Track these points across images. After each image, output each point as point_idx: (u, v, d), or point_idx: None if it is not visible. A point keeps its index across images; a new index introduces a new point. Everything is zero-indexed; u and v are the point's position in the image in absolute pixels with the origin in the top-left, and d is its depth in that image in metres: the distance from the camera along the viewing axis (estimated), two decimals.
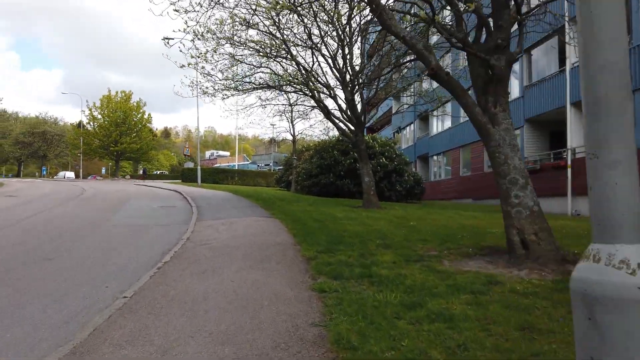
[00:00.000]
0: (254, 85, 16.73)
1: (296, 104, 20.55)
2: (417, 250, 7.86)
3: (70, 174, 77.65)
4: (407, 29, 9.28)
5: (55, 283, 6.25)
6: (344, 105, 17.12)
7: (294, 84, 16.30)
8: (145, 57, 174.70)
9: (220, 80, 16.10)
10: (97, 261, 7.75)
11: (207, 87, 16.15)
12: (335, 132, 32.53)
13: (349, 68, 16.20)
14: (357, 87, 16.30)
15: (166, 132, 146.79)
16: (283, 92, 16.56)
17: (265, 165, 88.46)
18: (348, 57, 16.06)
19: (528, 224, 6.58)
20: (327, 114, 17.13)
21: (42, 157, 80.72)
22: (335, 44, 15.78)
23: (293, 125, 31.26)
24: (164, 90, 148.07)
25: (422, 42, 7.44)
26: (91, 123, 61.47)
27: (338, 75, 16.47)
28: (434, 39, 16.22)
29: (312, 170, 25.39)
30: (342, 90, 17.04)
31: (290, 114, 30.64)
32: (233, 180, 45.76)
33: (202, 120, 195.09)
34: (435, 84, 18.64)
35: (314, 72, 15.89)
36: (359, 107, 17.23)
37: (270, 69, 16.80)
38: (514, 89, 23.04)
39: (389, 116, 40.75)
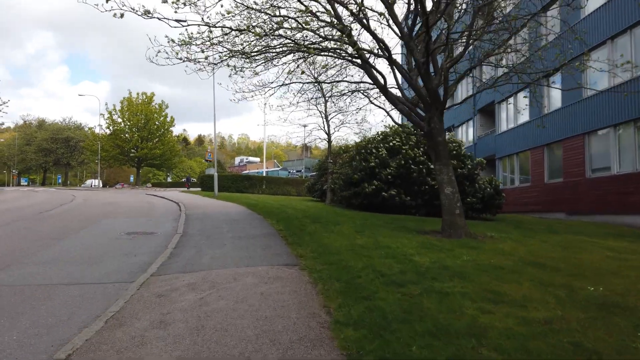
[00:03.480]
0: (268, 48, 10.75)
1: (332, 83, 14.39)
2: None
3: (97, 182, 74.23)
4: None
5: None
6: (397, 79, 11.12)
7: (329, 39, 10.27)
8: (187, 68, 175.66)
9: (218, 36, 10.25)
10: None
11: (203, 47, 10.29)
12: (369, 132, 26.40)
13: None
14: (436, 39, 10.11)
15: (199, 140, 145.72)
16: (310, 55, 10.63)
17: (297, 171, 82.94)
18: None
19: None
20: (384, 88, 11.03)
21: (66, 164, 77.66)
22: None
23: (327, 121, 25.30)
24: (203, 99, 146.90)
25: None
26: (111, 127, 57.20)
27: (397, 31, 10.38)
28: None
29: (351, 177, 19.32)
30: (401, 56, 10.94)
31: (324, 105, 24.75)
32: (260, 189, 40.10)
33: (236, 127, 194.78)
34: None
35: (362, 12, 9.84)
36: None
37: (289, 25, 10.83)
38: None
39: None
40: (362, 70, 12.28)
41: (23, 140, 78.10)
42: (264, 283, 5.72)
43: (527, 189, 24.54)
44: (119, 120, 56.67)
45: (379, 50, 10.90)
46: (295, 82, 14.06)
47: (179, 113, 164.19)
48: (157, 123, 58.13)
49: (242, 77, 12.13)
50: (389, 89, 11.48)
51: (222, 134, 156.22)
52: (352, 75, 15.89)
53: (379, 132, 20.71)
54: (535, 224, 16.48)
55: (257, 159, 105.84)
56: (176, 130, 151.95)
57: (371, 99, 14.47)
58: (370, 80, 12.79)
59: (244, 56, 11.02)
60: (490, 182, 18.93)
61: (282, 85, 13.33)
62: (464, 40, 10.53)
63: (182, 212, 15.60)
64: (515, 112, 25.86)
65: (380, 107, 14.20)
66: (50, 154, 74.29)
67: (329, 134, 25.46)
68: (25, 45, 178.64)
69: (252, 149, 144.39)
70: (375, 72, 10.56)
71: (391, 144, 18.47)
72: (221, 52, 10.84)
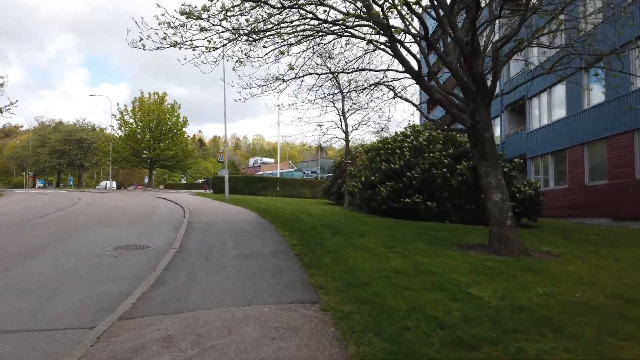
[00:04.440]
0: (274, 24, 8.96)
1: (353, 72, 12.50)
2: None
3: (112, 184, 73.43)
4: None
5: None
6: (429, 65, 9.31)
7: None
8: (204, 68, 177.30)
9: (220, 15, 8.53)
10: None
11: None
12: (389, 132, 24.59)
13: None
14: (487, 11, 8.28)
15: (215, 140, 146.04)
16: (325, 35, 8.90)
17: (312, 172, 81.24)
18: None
19: None
20: (418, 75, 9.19)
21: (80, 166, 76.99)
22: None
23: (345, 119, 23.51)
24: (220, 101, 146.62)
25: None
26: (123, 128, 56.08)
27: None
28: None
29: (372, 179, 17.52)
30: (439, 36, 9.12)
31: (341, 101, 22.98)
32: (274, 190, 38.39)
33: (251, 128, 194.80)
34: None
35: None
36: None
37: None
38: None
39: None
40: (382, 61, 10.49)
41: (37, 142, 77.70)
42: (270, 339, 3.97)
43: (564, 192, 22.41)
44: (131, 120, 55.50)
45: (410, 29, 9.08)
46: (311, 74, 12.34)
47: (196, 114, 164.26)
48: (169, 123, 56.84)
49: (252, 65, 10.47)
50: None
51: (237, 135, 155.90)
52: (373, 64, 14.01)
53: (399, 132, 18.86)
54: (583, 232, 14.47)
55: (272, 160, 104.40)
56: (192, 131, 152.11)
57: (397, 91, 12.68)
58: (397, 68, 11.06)
59: (250, 38, 9.31)
60: (529, 183, 16.96)
61: (296, 77, 11.61)
62: (521, 10, 8.61)
63: (185, 219, 13.96)
64: (549, 108, 23.76)
65: (407, 101, 12.38)
66: (63, 155, 73.61)
67: (346, 133, 23.67)
68: (46, 48, 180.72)
69: (266, 149, 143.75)
70: (409, 55, 8.73)
71: (416, 142, 16.61)
72: (225, 32, 9.12)
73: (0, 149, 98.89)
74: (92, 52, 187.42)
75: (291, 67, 9.17)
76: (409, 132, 17.19)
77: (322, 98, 14.49)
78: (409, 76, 11.08)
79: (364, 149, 23.24)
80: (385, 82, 12.42)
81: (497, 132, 31.08)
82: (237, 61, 10.21)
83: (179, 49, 8.35)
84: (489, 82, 9.09)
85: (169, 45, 8.29)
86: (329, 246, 8.50)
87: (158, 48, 8.50)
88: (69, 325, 4.72)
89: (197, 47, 8.94)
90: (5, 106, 38.87)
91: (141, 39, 8.06)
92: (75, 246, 9.41)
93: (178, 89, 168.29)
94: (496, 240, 8.79)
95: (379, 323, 4.22)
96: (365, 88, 12.74)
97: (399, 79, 11.72)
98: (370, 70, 11.12)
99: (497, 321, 4.34)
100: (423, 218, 16.00)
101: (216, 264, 7.23)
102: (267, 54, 10.56)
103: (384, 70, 11.08)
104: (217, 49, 9.29)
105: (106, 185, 77.14)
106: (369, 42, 9.74)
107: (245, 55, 10.11)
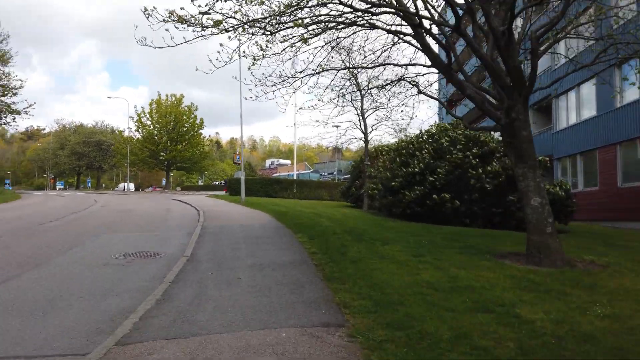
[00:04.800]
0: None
1: (369, 67, 11.69)
2: None
3: (131, 186, 73.82)
4: None
5: None
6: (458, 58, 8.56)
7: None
8: (224, 72, 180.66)
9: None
10: None
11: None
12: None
13: None
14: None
15: (232, 142, 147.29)
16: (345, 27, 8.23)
17: (329, 174, 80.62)
18: None
19: None
20: (447, 69, 8.44)
21: (98, 168, 77.57)
22: None
23: (364, 119, 22.81)
24: (239, 104, 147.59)
25: None
26: (140, 130, 56.12)
27: None
28: None
29: (392, 185, 16.79)
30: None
31: (360, 100, 22.28)
32: (291, 192, 37.77)
33: (269, 130, 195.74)
34: None
35: None
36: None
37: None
38: None
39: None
40: (403, 55, 9.78)
41: (57, 144, 78.61)
42: None
43: (595, 194, 21.32)
44: (148, 122, 55.51)
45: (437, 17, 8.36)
46: (328, 70, 11.65)
47: (214, 117, 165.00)
48: (186, 125, 56.69)
49: (269, 64, 9.89)
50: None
51: (254, 136, 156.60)
52: (395, 59, 13.17)
53: (424, 130, 18.08)
54: (622, 237, 13.52)
55: (288, 162, 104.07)
56: (210, 133, 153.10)
57: (420, 88, 11.94)
58: (422, 62, 10.33)
59: (267, 32, 8.70)
60: (560, 184, 16.04)
61: (314, 74, 11.00)
62: None
63: (199, 223, 13.41)
64: (578, 106, 22.70)
65: (432, 97, 11.67)
66: (82, 157, 74.27)
67: (365, 133, 22.95)
68: (70, 53, 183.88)
69: (283, 151, 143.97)
70: (439, 46, 8.00)
71: (435, 144, 15.82)
72: (241, 26, 8.51)
73: (23, 151, 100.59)
74: (113, 56, 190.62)
75: (305, 40, 8.38)
76: (434, 131, 16.38)
77: (342, 97, 13.75)
78: (435, 71, 10.38)
79: (385, 150, 22.53)
80: (407, 77, 11.68)
81: None
82: (253, 58, 9.66)
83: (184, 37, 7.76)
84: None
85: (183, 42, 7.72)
86: (352, 255, 7.82)
87: (169, 46, 7.94)
88: (59, 350, 4.13)
89: (207, 32, 8.34)
90: (24, 108, 39.31)
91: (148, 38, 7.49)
92: (83, 253, 8.90)
93: (197, 92, 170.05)
94: (535, 250, 8.00)
95: (419, 356, 3.53)
96: (385, 85, 11.98)
97: (423, 74, 10.95)
98: (393, 64, 10.42)
99: (561, 355, 3.61)
100: (447, 222, 15.22)
101: (229, 276, 6.61)
102: (284, 49, 9.99)
103: (408, 65, 10.35)
104: (228, 30, 8.64)
105: (124, 187, 77.70)
106: (394, 33, 9.05)
107: (262, 49, 9.52)
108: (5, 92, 36.47)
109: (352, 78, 17.40)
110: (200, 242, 9.88)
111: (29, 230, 12.60)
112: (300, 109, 18.80)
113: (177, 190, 59.27)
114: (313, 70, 11.06)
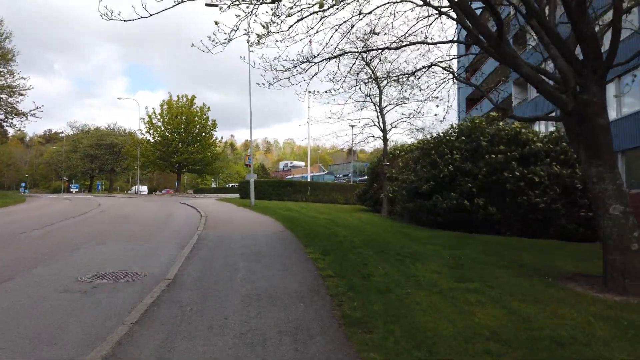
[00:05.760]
0: None
1: (396, 48, 9.80)
2: None
3: (144, 189, 72.96)
4: None
5: None
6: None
7: None
8: (241, 75, 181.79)
9: None
10: None
11: None
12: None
13: None
14: None
15: (246, 145, 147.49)
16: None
17: (343, 175, 78.84)
18: None
19: None
20: (497, 43, 6.61)
21: (111, 171, 76.84)
22: None
23: (382, 115, 21.01)
24: (256, 106, 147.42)
25: None
26: (150, 131, 54.90)
27: None
28: None
29: (418, 187, 14.98)
30: None
31: (378, 96, 20.51)
32: (304, 195, 35.99)
33: (282, 132, 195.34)
34: None
35: None
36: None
37: None
38: None
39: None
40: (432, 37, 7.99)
41: (70, 147, 78.10)
42: None
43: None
44: (159, 124, 54.30)
45: None
46: (349, 52, 9.92)
47: (230, 119, 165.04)
48: (197, 126, 55.33)
49: (276, 44, 8.31)
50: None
51: (268, 139, 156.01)
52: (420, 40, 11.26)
53: (455, 125, 16.13)
54: None
55: (302, 163, 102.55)
56: (225, 135, 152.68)
57: (455, 74, 10.13)
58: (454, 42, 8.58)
59: None
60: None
61: (332, 57, 9.38)
62: None
63: (197, 232, 11.76)
64: (619, 100, 20.58)
65: (470, 85, 9.84)
66: (95, 160, 73.61)
67: (384, 131, 21.13)
68: (90, 59, 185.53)
69: (297, 153, 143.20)
70: (491, 12, 6.18)
71: (469, 144, 13.93)
72: None
73: (41, 154, 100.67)
74: (132, 61, 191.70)
75: (321, 5, 6.70)
76: (465, 126, 14.49)
77: (364, 82, 12.00)
78: (474, 53, 8.59)
79: (407, 148, 20.69)
80: (440, 63, 9.85)
81: (551, 127, 27.81)
82: (257, 35, 8.06)
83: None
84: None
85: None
86: (378, 280, 6.04)
87: (165, 9, 6.28)
88: None
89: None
90: (30, 110, 38.31)
91: None
92: (46, 273, 7.26)
93: (215, 95, 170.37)
94: (616, 272, 6.14)
95: None
96: (415, 71, 10.12)
97: (460, 57, 9.16)
98: (425, 42, 8.59)
99: None
100: (477, 229, 13.38)
101: (213, 314, 4.87)
102: (291, 25, 8.33)
103: (443, 43, 8.50)
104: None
105: (136, 190, 76.93)
106: (433, 6, 7.27)
107: (264, 26, 7.87)
108: (8, 90, 35.65)
109: (371, 64, 15.63)
110: (192, 257, 8.20)
111: (6, 239, 11.07)
112: (310, 92, 16.84)
113: (188, 193, 58.02)
114: (331, 53, 9.43)
